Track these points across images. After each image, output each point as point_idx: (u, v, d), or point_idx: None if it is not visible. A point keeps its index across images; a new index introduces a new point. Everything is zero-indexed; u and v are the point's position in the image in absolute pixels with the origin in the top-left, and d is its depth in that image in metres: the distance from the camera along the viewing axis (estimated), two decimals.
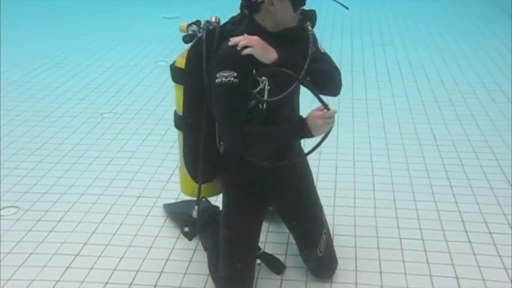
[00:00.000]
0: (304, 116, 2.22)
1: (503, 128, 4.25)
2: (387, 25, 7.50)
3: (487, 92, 5.02)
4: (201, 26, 2.29)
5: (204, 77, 2.17)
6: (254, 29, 2.15)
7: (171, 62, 2.46)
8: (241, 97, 2.14)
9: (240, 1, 2.18)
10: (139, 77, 5.47)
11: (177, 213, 3.05)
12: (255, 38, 2.10)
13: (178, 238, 2.94)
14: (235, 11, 2.26)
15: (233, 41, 2.10)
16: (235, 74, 2.09)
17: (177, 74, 2.41)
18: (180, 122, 2.44)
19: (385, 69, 5.71)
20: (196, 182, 2.38)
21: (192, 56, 2.25)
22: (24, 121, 4.43)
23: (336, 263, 2.63)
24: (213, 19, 2.28)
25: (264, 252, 2.68)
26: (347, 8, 2.23)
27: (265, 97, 2.16)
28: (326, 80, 2.22)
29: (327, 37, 6.76)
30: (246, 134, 2.20)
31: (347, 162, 3.74)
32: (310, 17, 2.19)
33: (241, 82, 2.09)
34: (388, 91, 5.08)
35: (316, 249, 2.52)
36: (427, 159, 3.79)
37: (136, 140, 4.11)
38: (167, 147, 3.97)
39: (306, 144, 2.40)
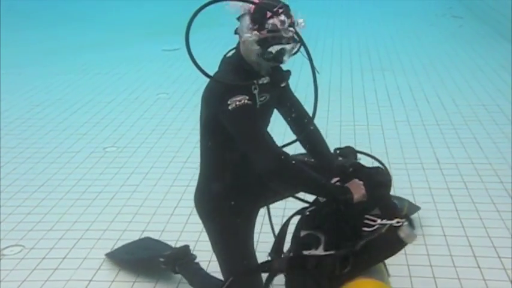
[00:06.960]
0: None
1: (506, 149, 4.24)
2: (385, 49, 7.55)
3: (487, 114, 5.02)
4: None
5: None
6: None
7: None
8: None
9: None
10: (140, 110, 5.48)
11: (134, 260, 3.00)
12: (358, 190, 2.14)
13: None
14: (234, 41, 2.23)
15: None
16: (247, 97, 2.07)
17: None
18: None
19: (386, 94, 5.72)
20: None
21: None
22: (27, 158, 4.43)
23: None
24: None
25: None
26: (318, 73, 2.23)
27: None
28: None
29: (326, 62, 6.83)
30: (287, 159, 2.08)
31: None
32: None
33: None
34: (390, 116, 5.09)
35: None
36: (431, 184, 3.78)
37: (139, 174, 4.10)
38: (170, 179, 3.96)
39: None
